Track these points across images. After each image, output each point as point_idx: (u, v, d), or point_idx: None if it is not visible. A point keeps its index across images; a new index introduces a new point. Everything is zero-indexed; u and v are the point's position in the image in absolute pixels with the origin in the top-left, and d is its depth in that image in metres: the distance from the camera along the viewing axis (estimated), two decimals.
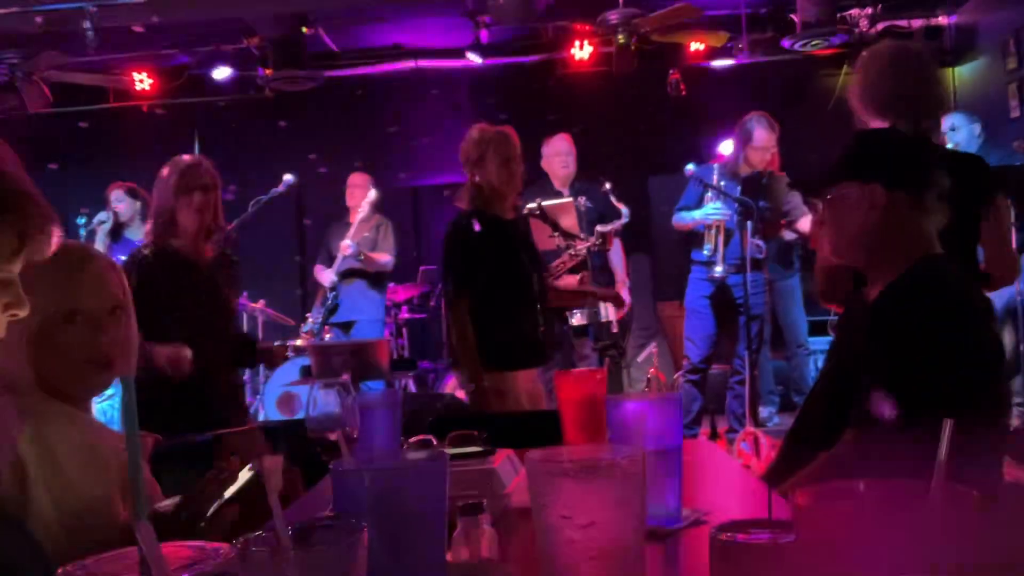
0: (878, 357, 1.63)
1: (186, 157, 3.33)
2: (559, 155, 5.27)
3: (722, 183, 5.07)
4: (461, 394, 5.64)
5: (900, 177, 1.78)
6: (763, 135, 5.12)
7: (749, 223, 4.89)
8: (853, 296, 1.95)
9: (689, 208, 5.24)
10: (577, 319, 4.88)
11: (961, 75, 6.97)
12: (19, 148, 2.53)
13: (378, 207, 6.01)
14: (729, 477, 1.84)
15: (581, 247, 4.97)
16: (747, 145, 5.14)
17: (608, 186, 5.11)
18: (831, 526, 0.59)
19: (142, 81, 6.79)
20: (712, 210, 5.10)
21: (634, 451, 1.04)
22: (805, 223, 5.28)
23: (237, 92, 6.91)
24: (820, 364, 5.93)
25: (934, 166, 1.79)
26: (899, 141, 1.91)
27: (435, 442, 1.76)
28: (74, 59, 6.22)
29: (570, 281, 4.92)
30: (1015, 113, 6.10)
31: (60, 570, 0.71)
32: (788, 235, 5.46)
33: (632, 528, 0.96)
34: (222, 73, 6.82)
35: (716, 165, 5.30)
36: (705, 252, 5.18)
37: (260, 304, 6.10)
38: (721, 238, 5.11)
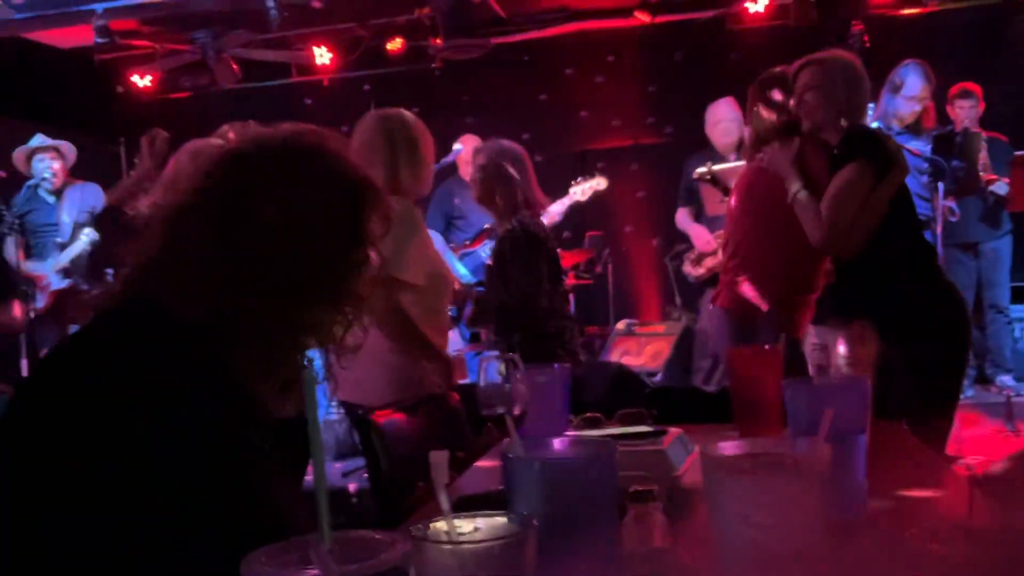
0: None
1: None
2: (720, 123, 4.90)
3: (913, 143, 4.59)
4: (629, 360, 5.59)
5: None
6: (916, 83, 4.50)
7: (941, 185, 4.51)
8: None
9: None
10: None
11: None
12: (215, 122, 2.63)
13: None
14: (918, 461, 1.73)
15: None
16: (897, 95, 4.55)
17: None
18: None
19: (322, 56, 7.05)
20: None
21: (815, 445, 1.00)
22: (1003, 185, 4.93)
23: (409, 63, 7.04)
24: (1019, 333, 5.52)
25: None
26: None
27: (603, 419, 1.75)
28: (259, 36, 6.56)
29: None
30: None
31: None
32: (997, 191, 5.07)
33: (812, 526, 0.92)
34: (394, 45, 6.98)
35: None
36: None
37: None
38: None
